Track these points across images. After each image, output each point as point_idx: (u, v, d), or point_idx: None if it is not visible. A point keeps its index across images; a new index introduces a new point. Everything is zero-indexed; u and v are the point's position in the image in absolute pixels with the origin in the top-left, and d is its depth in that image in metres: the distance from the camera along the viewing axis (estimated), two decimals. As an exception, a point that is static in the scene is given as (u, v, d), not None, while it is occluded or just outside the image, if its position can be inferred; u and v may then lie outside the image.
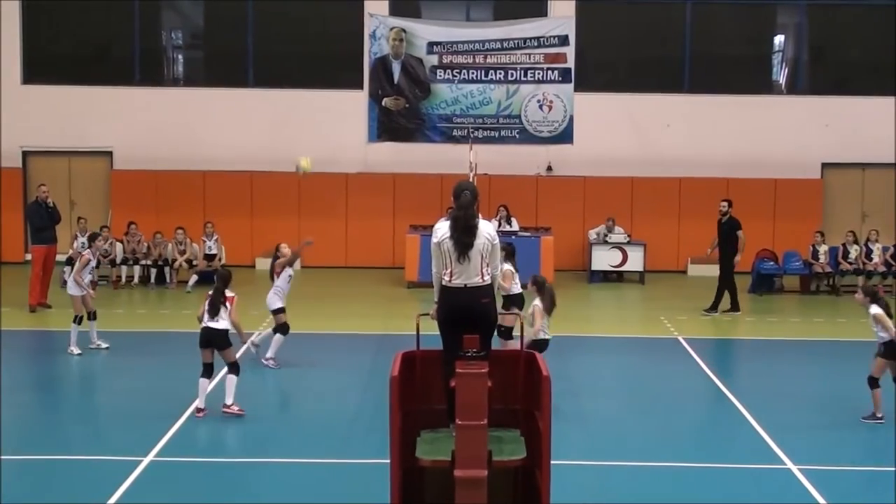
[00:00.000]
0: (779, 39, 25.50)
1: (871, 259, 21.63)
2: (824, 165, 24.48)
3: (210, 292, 11.70)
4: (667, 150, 24.18)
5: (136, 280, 21.76)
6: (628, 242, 22.64)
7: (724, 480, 9.99)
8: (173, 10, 25.97)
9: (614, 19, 24.90)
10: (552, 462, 6.90)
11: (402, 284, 21.34)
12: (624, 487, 9.68)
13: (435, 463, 6.99)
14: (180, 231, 21.67)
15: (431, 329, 7.68)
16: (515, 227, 21.91)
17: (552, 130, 24.33)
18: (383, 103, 24.37)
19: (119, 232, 22.06)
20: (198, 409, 11.58)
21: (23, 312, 17.83)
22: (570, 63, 24.17)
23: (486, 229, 7.50)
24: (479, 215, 7.58)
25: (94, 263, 15.34)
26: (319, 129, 24.03)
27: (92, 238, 16.34)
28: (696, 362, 14.84)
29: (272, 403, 13.00)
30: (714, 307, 18.62)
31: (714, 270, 19.22)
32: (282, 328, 13.98)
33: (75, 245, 19.94)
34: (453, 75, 24.32)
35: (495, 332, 7.99)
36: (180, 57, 25.93)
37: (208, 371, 11.64)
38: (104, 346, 14.92)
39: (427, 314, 7.85)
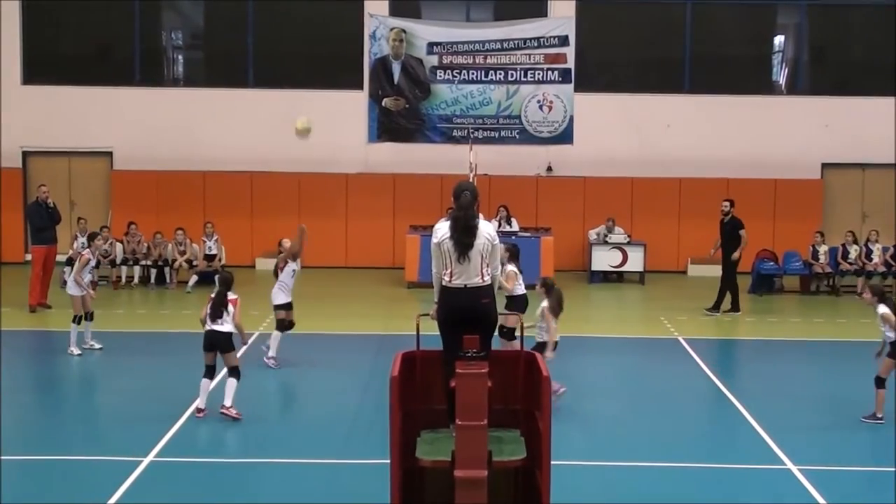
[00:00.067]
0: (779, 40, 25.49)
1: (871, 259, 21.63)
2: (824, 166, 24.46)
3: (212, 295, 11.69)
4: (667, 151, 24.15)
5: (136, 280, 21.75)
6: (628, 243, 22.62)
7: (724, 480, 9.99)
8: (174, 10, 25.98)
9: (614, 19, 24.88)
10: (552, 462, 6.90)
11: (402, 285, 21.34)
12: (624, 487, 9.68)
13: (435, 463, 6.99)
14: (180, 231, 21.65)
15: (431, 329, 7.67)
16: (515, 227, 21.91)
17: (552, 131, 24.32)
18: (383, 104, 24.36)
19: (119, 232, 22.05)
20: (198, 410, 11.58)
21: (23, 312, 17.82)
22: (571, 63, 24.16)
23: (487, 230, 7.50)
24: (480, 216, 7.57)
25: (93, 263, 15.34)
26: (319, 129, 24.05)
27: (91, 238, 16.34)
28: (696, 362, 14.84)
29: (272, 403, 13.00)
30: (716, 307, 18.61)
31: (715, 271, 19.23)
32: (280, 325, 13.99)
33: (75, 245, 19.91)
34: (453, 76, 24.31)
35: (496, 333, 7.98)
36: (180, 57, 25.92)
37: (210, 372, 11.65)
38: (97, 346, 14.89)
39: (427, 314, 7.86)
